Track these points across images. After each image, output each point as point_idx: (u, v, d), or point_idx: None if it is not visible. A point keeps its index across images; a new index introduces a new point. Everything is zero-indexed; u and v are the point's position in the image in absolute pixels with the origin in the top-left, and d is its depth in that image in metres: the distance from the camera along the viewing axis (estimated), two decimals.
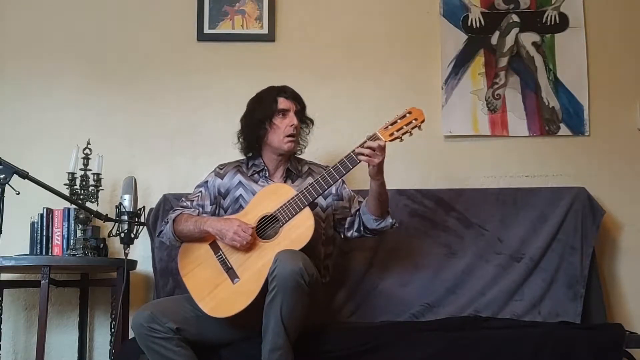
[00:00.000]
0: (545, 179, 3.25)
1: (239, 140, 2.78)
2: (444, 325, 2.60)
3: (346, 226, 2.70)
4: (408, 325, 2.69)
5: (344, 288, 2.98)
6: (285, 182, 2.69)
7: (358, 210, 2.66)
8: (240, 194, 2.67)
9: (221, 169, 2.77)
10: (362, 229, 2.65)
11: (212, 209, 2.70)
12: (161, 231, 2.69)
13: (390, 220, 2.63)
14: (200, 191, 2.73)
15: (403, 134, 2.48)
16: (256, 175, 2.72)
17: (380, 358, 2.41)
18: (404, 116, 2.50)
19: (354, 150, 2.47)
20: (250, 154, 2.78)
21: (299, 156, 2.82)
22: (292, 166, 2.73)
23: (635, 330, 2.84)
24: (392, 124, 2.49)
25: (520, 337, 2.45)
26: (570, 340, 2.41)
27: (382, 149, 2.44)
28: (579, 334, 2.47)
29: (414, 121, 2.48)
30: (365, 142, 2.46)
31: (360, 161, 2.46)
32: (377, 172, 2.48)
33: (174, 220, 2.60)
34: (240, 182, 2.70)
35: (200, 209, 2.68)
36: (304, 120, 2.75)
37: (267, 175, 2.71)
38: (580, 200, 3.04)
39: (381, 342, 2.43)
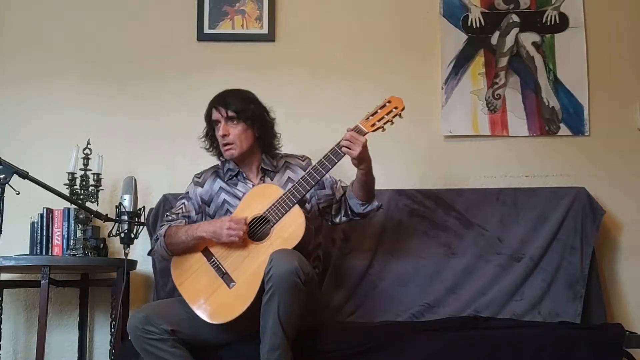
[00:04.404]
0: (545, 179, 3.25)
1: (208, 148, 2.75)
2: (444, 325, 2.59)
3: (333, 213, 2.69)
4: (408, 325, 2.69)
5: (344, 288, 2.97)
6: (263, 180, 2.66)
7: (343, 195, 2.66)
8: (224, 199, 2.64)
9: (199, 178, 2.73)
10: (349, 213, 2.65)
11: (198, 217, 2.67)
12: (152, 249, 2.66)
13: (376, 204, 2.62)
14: (183, 203, 2.68)
15: (385, 124, 2.48)
16: (234, 178, 2.69)
17: (380, 358, 2.41)
18: (384, 105, 2.50)
19: (337, 144, 2.47)
20: (223, 159, 2.73)
21: (277, 151, 2.75)
22: (266, 164, 2.69)
23: (635, 330, 2.83)
24: (372, 115, 2.49)
25: (520, 337, 2.45)
26: (570, 340, 2.41)
27: (358, 139, 2.42)
28: (579, 334, 2.47)
29: (394, 110, 2.49)
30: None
31: (344, 154, 2.46)
32: (359, 162, 2.47)
33: (164, 235, 2.55)
34: (221, 187, 2.67)
35: (187, 220, 2.64)
36: (252, 120, 2.62)
37: (244, 177, 2.68)
38: (580, 200, 3.03)
39: (381, 342, 2.43)
